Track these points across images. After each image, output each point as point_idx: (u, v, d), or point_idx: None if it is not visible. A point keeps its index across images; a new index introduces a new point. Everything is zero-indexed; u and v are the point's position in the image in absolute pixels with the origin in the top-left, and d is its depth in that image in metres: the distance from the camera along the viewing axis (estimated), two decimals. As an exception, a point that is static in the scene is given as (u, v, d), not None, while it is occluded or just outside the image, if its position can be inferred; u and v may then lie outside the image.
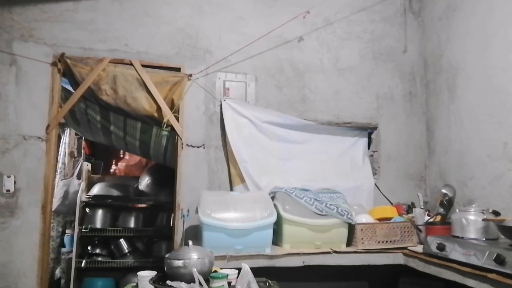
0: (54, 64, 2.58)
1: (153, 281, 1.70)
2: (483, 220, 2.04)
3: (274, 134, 2.86)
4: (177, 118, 2.69)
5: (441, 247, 2.02)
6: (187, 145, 2.72)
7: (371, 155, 3.07)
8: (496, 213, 2.13)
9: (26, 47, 2.56)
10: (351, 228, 2.42)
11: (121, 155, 4.96)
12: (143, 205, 4.04)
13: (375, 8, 3.12)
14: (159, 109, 2.66)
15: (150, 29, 2.76)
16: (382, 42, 3.12)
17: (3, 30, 2.55)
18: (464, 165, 2.66)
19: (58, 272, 3.82)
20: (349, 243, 2.43)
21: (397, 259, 2.37)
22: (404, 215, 2.58)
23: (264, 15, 2.93)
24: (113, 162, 4.94)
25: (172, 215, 2.93)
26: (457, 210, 2.25)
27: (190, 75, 2.75)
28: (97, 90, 2.60)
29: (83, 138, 4.09)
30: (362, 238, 2.36)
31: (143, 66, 2.67)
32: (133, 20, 2.74)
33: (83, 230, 3.56)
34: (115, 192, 3.81)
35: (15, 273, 2.43)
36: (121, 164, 4.96)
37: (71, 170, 4.06)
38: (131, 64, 2.65)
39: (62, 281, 3.74)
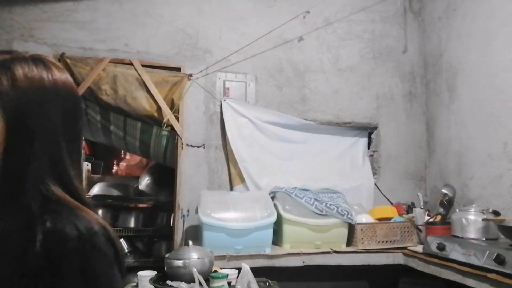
0: (54, 64, 2.58)
1: (153, 281, 1.70)
2: (483, 220, 2.03)
3: (274, 134, 2.86)
4: (177, 118, 2.69)
5: (441, 247, 2.02)
6: (187, 145, 2.72)
7: (371, 155, 3.07)
8: (496, 213, 2.13)
9: (26, 47, 2.55)
10: (351, 228, 2.42)
11: (122, 155, 4.96)
12: (143, 205, 4.04)
13: (375, 8, 3.12)
14: (159, 109, 2.65)
15: (150, 29, 2.76)
16: (382, 42, 3.12)
17: (3, 30, 2.55)
18: (464, 165, 2.65)
19: (58, 272, 3.82)
20: (349, 243, 2.43)
21: (397, 259, 2.37)
22: (404, 215, 2.58)
23: (264, 15, 2.93)
24: (114, 162, 4.94)
25: (172, 215, 2.93)
26: (457, 210, 2.25)
27: (190, 75, 2.75)
28: (97, 90, 2.59)
29: (83, 138, 4.09)
30: (362, 238, 2.36)
31: (143, 66, 2.67)
32: (133, 20, 2.74)
33: (83, 230, 3.55)
34: (115, 192, 3.80)
35: (15, 273, 2.43)
36: (122, 164, 4.96)
37: (71, 170, 4.06)
38: (131, 64, 2.65)
39: (62, 281, 3.74)
